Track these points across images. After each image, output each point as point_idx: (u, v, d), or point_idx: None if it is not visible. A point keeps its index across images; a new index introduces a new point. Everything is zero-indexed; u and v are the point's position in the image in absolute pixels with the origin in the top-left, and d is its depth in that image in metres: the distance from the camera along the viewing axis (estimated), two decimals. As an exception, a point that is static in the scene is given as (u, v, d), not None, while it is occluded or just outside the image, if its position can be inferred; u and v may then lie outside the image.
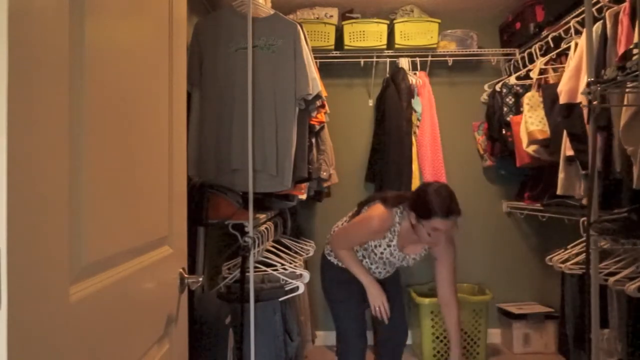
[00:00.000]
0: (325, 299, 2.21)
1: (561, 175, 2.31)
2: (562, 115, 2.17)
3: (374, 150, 3.18)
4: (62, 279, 0.63)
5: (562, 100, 2.16)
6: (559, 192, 2.34)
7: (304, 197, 2.39)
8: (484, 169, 3.36)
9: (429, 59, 3.18)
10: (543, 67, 2.68)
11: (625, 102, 1.75)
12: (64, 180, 0.63)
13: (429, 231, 1.78)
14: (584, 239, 2.02)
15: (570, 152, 2.17)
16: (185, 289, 1.11)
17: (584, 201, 2.09)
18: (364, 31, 3.08)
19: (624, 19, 1.79)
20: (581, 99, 2.01)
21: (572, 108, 2.12)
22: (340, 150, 3.00)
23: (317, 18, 3.07)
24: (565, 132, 2.21)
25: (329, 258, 2.16)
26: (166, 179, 1.03)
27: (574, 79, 2.13)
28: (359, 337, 2.07)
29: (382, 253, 1.97)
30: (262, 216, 2.04)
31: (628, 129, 1.74)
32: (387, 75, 3.15)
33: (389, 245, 1.95)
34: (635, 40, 1.68)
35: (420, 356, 3.00)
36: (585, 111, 1.83)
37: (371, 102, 3.31)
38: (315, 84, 2.00)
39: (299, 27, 2.02)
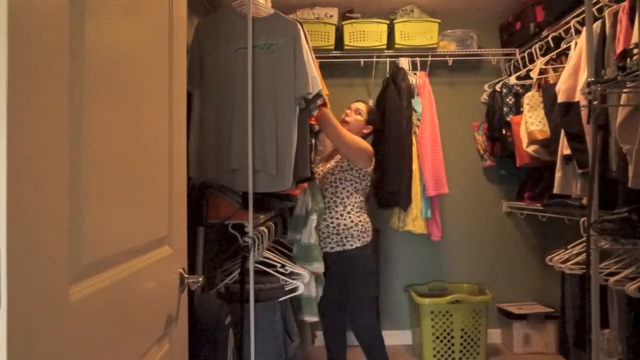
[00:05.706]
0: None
1: (558, 174, 2.30)
2: (560, 114, 2.17)
3: (374, 150, 3.17)
4: (62, 279, 0.63)
5: (560, 99, 2.16)
6: (555, 191, 2.34)
7: (304, 197, 2.39)
8: (484, 169, 3.36)
9: (429, 59, 3.19)
10: (543, 67, 2.68)
11: (622, 101, 1.75)
12: (64, 180, 0.63)
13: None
14: (584, 239, 2.02)
15: (567, 151, 2.17)
16: (185, 289, 1.11)
17: (584, 201, 2.09)
18: (364, 31, 3.08)
19: (623, 18, 1.79)
20: (579, 97, 2.01)
21: (569, 107, 2.12)
22: (340, 150, 2.99)
23: (317, 18, 3.07)
24: (562, 131, 2.21)
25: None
26: (166, 179, 1.03)
27: (572, 77, 2.13)
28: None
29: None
30: (262, 216, 2.04)
31: (624, 127, 1.74)
32: (387, 75, 3.15)
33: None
34: (634, 39, 1.68)
35: (420, 356, 3.00)
36: (584, 111, 1.83)
37: (371, 102, 3.31)
38: (316, 82, 2.00)
39: (298, 25, 2.01)
